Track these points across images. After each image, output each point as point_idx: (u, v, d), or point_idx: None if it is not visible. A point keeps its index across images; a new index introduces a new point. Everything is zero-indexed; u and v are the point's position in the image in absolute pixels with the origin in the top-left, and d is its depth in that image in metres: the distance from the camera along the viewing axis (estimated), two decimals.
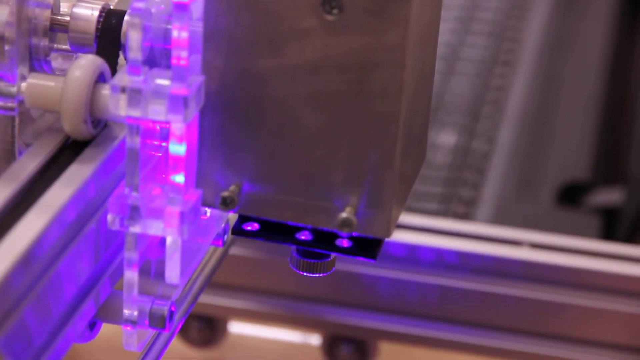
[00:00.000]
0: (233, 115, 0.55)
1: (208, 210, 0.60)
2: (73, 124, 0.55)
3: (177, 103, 0.53)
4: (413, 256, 0.76)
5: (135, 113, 0.54)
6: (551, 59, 1.14)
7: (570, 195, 0.95)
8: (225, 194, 0.56)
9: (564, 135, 1.04)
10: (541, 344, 0.78)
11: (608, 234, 0.91)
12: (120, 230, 0.55)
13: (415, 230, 0.77)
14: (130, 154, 0.55)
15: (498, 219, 0.90)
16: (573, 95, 1.10)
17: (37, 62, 0.58)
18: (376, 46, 0.53)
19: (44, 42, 0.58)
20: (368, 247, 0.58)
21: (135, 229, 0.55)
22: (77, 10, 0.59)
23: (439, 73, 1.08)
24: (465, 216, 0.91)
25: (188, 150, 0.56)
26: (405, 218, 0.78)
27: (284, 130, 0.55)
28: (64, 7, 0.59)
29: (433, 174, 0.96)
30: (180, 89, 0.53)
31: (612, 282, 0.76)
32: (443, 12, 0.61)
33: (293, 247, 0.60)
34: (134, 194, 0.55)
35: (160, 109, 0.54)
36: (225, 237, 0.64)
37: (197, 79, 0.54)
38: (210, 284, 0.76)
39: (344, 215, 0.55)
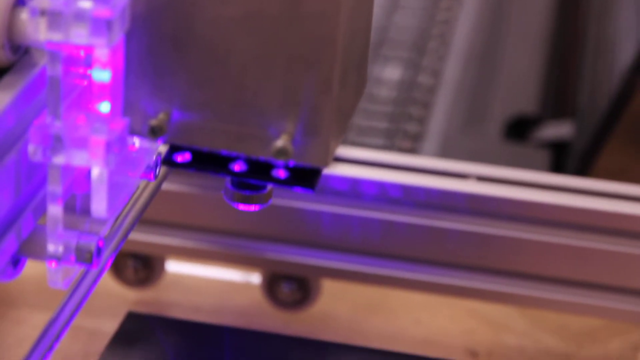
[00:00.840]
0: (161, 38, 0.52)
1: (137, 141, 0.56)
2: None
3: (100, 26, 0.50)
4: (355, 190, 0.73)
5: (56, 37, 0.50)
6: None
7: (519, 129, 0.93)
8: (154, 122, 0.53)
9: (512, 69, 1.01)
10: (487, 279, 0.75)
11: (557, 168, 0.89)
12: (43, 161, 0.52)
13: (358, 164, 0.74)
14: (52, 81, 0.51)
15: (444, 154, 0.88)
16: (520, 28, 1.07)
17: None
18: None
19: None
20: (305, 177, 0.55)
21: (59, 159, 0.52)
22: None
23: (383, 7, 1.05)
24: (411, 151, 0.88)
25: (114, 77, 0.52)
26: (348, 151, 0.75)
27: (215, 54, 0.52)
28: None
29: (378, 108, 0.93)
30: (103, 11, 0.50)
31: (561, 215, 0.74)
32: None
33: (227, 179, 0.57)
34: (57, 123, 0.52)
35: (82, 32, 0.50)
36: (157, 170, 0.61)
37: (121, 0, 0.51)
38: (146, 221, 0.73)
39: (279, 143, 0.52)
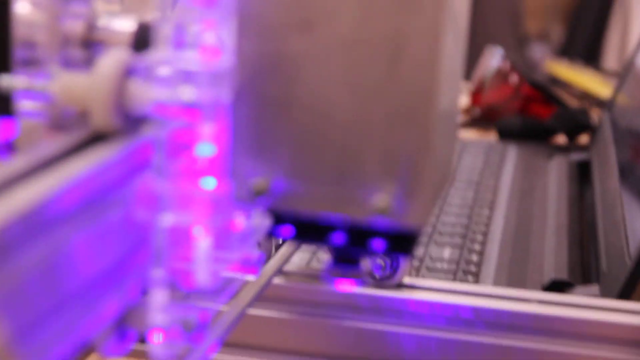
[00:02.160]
0: (266, 104, 0.36)
1: (241, 221, 0.39)
2: (101, 117, 0.36)
3: (205, 81, 0.34)
4: (434, 313, 0.55)
5: (164, 95, 0.34)
6: (523, 202, 0.95)
7: (555, 289, 0.74)
8: (256, 184, 0.36)
9: (540, 248, 0.83)
10: None
11: None
12: (151, 219, 0.35)
13: (433, 290, 0.56)
14: (158, 145, 0.35)
15: None
16: (542, 220, 0.90)
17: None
18: (409, 19, 0.34)
19: (81, 52, 0.39)
20: (402, 245, 0.37)
21: (166, 219, 0.35)
22: (110, 22, 0.39)
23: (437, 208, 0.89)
24: None
25: (218, 147, 0.36)
26: (423, 282, 0.57)
27: (317, 117, 0.35)
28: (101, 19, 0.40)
29: (440, 277, 0.75)
30: (208, 67, 0.34)
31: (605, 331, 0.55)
32: None
33: (328, 259, 0.39)
34: (164, 185, 0.35)
35: (189, 90, 0.34)
36: (261, 267, 0.43)
37: (225, 61, 0.35)
38: (244, 346, 0.55)
39: (379, 200, 0.35)
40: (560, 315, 0.54)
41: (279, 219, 0.37)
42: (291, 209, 0.36)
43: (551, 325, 0.54)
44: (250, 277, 0.45)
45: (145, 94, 0.35)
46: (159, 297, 0.36)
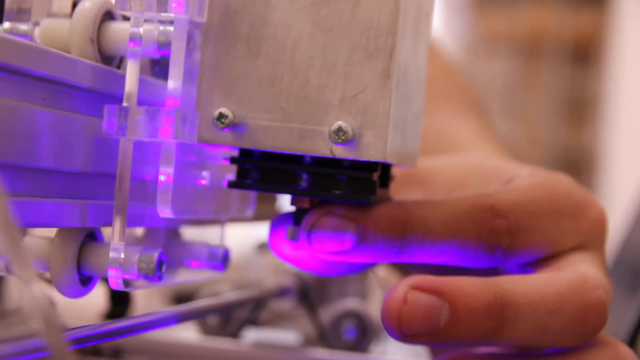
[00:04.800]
0: (233, 42, 0.37)
1: (205, 175, 0.39)
2: (79, 54, 0.37)
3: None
4: None
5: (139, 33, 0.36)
6: None
7: None
8: (220, 112, 0.37)
9: None
10: None
11: None
12: (115, 135, 0.35)
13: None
14: (130, 72, 0.36)
15: None
16: None
17: None
18: None
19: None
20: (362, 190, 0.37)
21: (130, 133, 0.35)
22: None
23: None
24: None
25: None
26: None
27: (284, 52, 0.37)
28: None
29: None
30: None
31: None
32: None
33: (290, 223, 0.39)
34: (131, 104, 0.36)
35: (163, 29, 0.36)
36: (226, 263, 0.43)
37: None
38: None
39: (338, 124, 0.36)
40: None
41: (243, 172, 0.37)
42: (254, 146, 0.36)
43: None
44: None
45: (122, 34, 0.37)
46: (118, 235, 0.36)
